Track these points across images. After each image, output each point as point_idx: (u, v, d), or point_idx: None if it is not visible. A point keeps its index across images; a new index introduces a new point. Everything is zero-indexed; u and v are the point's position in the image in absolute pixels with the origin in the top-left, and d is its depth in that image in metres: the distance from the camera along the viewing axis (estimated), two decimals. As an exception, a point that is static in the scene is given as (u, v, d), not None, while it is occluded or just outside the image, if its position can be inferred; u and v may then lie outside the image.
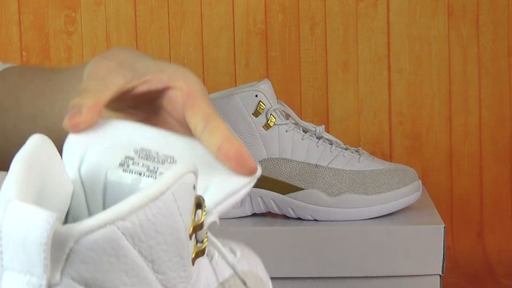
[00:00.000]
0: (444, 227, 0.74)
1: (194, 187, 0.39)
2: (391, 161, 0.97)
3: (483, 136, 1.00)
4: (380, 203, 0.78)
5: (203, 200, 0.41)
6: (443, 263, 0.73)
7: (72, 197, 0.43)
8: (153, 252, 0.36)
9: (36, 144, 0.39)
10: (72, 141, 0.45)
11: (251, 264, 0.51)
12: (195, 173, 0.39)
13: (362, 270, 0.74)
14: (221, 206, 0.44)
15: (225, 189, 0.44)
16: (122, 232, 0.34)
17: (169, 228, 0.37)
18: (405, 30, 0.99)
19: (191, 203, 0.39)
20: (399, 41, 0.99)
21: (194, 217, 0.40)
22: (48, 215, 0.32)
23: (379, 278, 0.74)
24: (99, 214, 0.34)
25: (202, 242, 0.41)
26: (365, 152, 0.82)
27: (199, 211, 0.40)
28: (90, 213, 0.43)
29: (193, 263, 0.40)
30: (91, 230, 0.33)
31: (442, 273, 0.74)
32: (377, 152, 0.99)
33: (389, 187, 0.78)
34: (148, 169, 0.44)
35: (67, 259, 0.33)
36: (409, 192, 0.79)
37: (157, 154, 0.45)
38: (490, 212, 0.99)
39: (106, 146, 0.45)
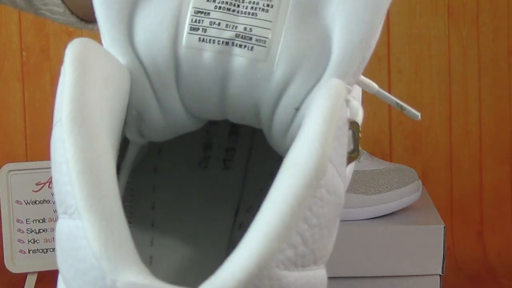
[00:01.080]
0: (444, 227, 0.74)
1: (348, 119, 0.27)
2: (391, 161, 0.97)
3: (483, 136, 1.00)
4: (380, 203, 0.78)
5: (358, 125, 0.28)
6: (443, 263, 0.73)
7: (132, 83, 0.30)
8: (317, 253, 0.25)
9: (83, 68, 0.26)
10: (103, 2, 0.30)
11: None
12: (346, 93, 0.27)
13: (362, 270, 0.74)
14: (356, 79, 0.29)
15: (359, 36, 0.28)
16: (284, 267, 0.22)
17: (333, 211, 0.26)
18: (405, 30, 0.99)
19: (346, 141, 0.27)
20: (399, 41, 0.99)
21: (348, 151, 0.28)
22: None
23: (379, 278, 0.74)
24: (246, 257, 0.21)
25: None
26: (365, 152, 0.82)
27: (350, 134, 0.28)
28: (160, 101, 0.30)
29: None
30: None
31: (442, 273, 0.74)
32: (377, 152, 0.99)
33: (389, 187, 0.78)
34: (236, 33, 0.29)
35: None
36: (409, 192, 0.79)
37: None
38: (490, 212, 0.99)
39: None
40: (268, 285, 0.21)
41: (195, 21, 0.29)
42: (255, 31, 0.29)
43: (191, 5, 0.29)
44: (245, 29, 0.29)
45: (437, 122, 1.00)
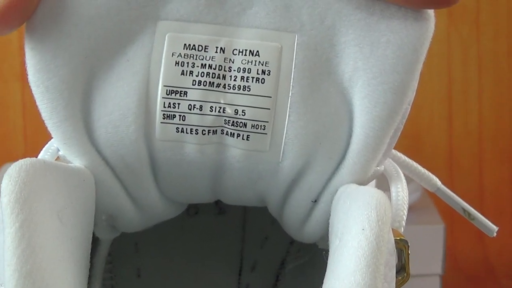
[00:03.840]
0: (444, 227, 0.73)
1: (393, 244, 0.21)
2: (391, 161, 0.97)
3: (483, 136, 1.00)
4: (380, 203, 0.78)
5: (406, 242, 0.22)
6: (443, 263, 0.73)
7: (97, 187, 0.23)
8: None
9: (31, 206, 0.20)
10: (45, 78, 0.22)
11: None
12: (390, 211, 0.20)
13: (362, 270, 0.74)
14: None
15: (387, 108, 0.22)
16: None
17: None
18: (405, 30, 0.99)
19: (395, 274, 0.21)
20: (399, 41, 0.99)
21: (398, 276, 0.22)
22: None
23: (379, 278, 0.74)
24: None
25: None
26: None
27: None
28: (137, 203, 0.25)
29: None
30: None
31: (442, 273, 0.74)
32: (377, 152, 0.98)
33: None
34: (225, 119, 0.22)
35: None
36: (409, 192, 0.79)
37: (223, 54, 0.22)
38: (491, 212, 0.99)
39: (119, 69, 0.22)
40: None
41: (169, 106, 0.22)
42: (249, 113, 0.22)
43: (161, 83, 0.22)
44: (236, 112, 0.22)
45: (437, 122, 1.00)
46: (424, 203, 0.82)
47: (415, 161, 1.04)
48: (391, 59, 0.22)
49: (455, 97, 1.00)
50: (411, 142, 0.99)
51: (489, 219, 1.05)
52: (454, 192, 1.00)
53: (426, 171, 0.29)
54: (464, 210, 0.30)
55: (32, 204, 0.20)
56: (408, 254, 0.22)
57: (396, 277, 0.22)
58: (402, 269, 0.22)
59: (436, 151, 1.00)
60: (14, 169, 0.21)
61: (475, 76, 0.99)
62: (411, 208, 0.88)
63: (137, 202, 0.24)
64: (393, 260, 0.21)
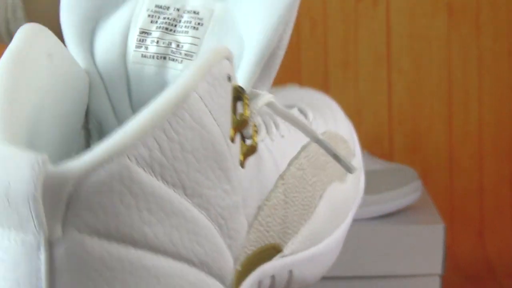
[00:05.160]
0: (444, 227, 0.73)
1: (230, 78, 0.31)
2: (391, 160, 0.97)
3: (483, 136, 1.00)
4: (380, 203, 0.78)
5: (243, 90, 0.31)
6: (443, 263, 0.73)
7: (90, 91, 0.36)
8: (182, 176, 0.28)
9: (25, 39, 0.32)
10: (69, 15, 0.37)
11: (328, 123, 0.44)
12: (229, 58, 0.31)
13: (362, 270, 0.74)
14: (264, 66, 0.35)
15: (269, 27, 0.34)
16: (136, 163, 0.26)
17: (200, 141, 0.28)
18: (405, 30, 0.99)
19: (228, 99, 0.31)
20: (399, 41, 0.99)
21: (235, 115, 0.31)
22: (33, 159, 0.24)
23: (379, 278, 0.74)
24: (103, 145, 0.26)
25: (251, 137, 0.32)
26: (365, 152, 0.82)
27: (239, 104, 0.32)
28: (115, 111, 0.36)
29: (242, 166, 0.32)
30: (94, 169, 0.25)
31: (442, 273, 0.74)
32: (377, 152, 0.98)
33: (389, 187, 0.78)
34: (171, 49, 0.35)
35: (67, 208, 0.25)
36: (409, 192, 0.79)
37: (178, 12, 0.36)
38: (491, 211, 0.99)
39: (115, 17, 0.36)
40: (117, 171, 0.26)
41: (140, 40, 0.35)
42: (185, 47, 0.35)
43: (138, 26, 0.36)
44: (178, 46, 0.35)
45: (437, 122, 1.00)
46: (424, 203, 0.82)
47: (415, 160, 1.03)
48: (264, 6, 0.34)
49: (455, 97, 1.00)
50: (411, 142, 0.99)
51: (489, 219, 1.05)
52: (454, 192, 0.99)
53: (307, 122, 0.40)
54: (335, 155, 0.38)
55: (31, 41, 0.31)
56: (247, 104, 0.31)
57: (240, 117, 0.31)
58: (243, 114, 0.31)
59: (436, 151, 1.00)
60: (26, 25, 0.31)
61: (475, 76, 0.99)
62: (411, 208, 0.88)
63: (117, 113, 0.36)
64: (224, 83, 0.30)
